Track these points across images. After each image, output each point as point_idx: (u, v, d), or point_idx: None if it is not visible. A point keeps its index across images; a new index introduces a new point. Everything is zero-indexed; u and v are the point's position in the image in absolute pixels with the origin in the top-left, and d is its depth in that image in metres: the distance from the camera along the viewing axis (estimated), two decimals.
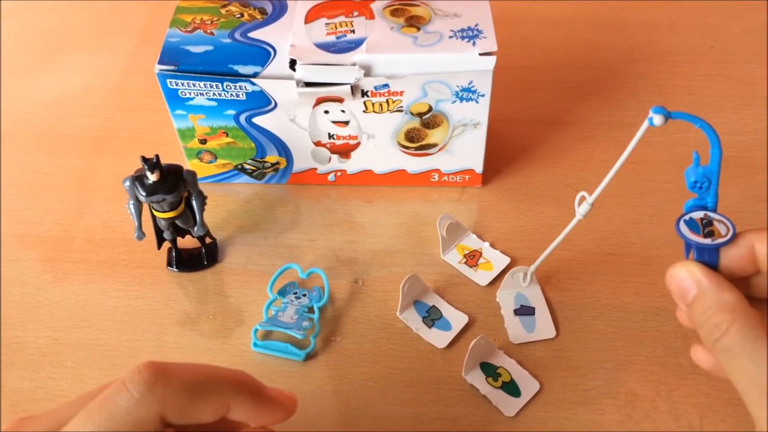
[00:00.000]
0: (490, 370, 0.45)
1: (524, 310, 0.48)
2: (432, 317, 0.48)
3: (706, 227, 0.35)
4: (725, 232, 0.34)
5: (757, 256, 0.34)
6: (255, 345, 0.46)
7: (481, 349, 0.45)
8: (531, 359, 0.46)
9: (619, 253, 0.51)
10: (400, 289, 0.47)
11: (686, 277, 0.33)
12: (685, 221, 0.35)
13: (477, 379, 0.44)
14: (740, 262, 0.34)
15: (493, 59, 0.47)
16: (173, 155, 0.54)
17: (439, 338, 0.47)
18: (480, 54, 0.47)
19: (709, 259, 0.34)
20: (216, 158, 0.54)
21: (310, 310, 0.48)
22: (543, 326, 0.47)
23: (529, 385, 0.44)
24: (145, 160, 0.44)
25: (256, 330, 0.47)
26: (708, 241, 0.34)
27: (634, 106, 0.62)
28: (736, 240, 0.34)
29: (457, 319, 0.48)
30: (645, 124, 0.35)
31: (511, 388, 0.44)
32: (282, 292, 0.49)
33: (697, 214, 0.35)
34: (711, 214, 0.35)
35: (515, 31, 0.68)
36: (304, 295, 0.49)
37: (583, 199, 0.42)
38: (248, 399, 0.33)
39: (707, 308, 0.32)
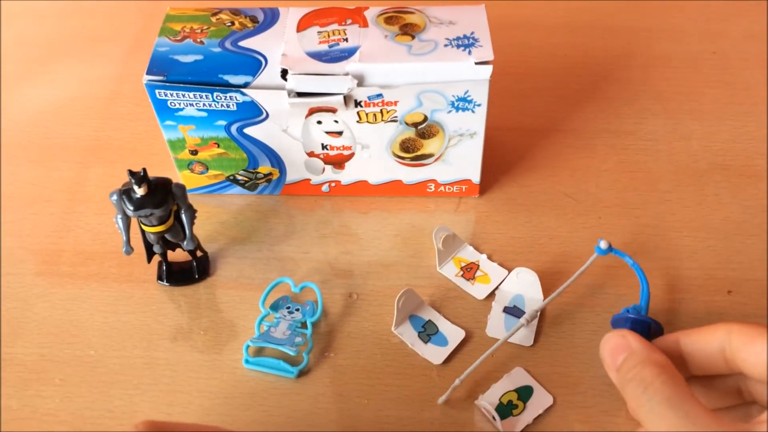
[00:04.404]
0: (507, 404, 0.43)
1: (514, 311, 0.47)
2: (428, 332, 0.47)
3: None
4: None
5: (730, 353, 0.34)
6: (247, 362, 0.45)
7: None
8: (530, 375, 0.45)
9: (619, 264, 0.50)
10: (395, 304, 0.46)
11: (619, 342, 0.35)
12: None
13: (489, 404, 0.43)
14: (707, 352, 0.35)
15: (489, 68, 0.46)
16: (165, 166, 0.54)
17: (435, 354, 0.45)
18: (476, 63, 0.46)
19: (641, 330, 0.41)
20: (207, 169, 0.53)
21: (303, 325, 0.47)
22: (524, 333, 0.46)
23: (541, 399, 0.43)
24: (132, 173, 0.43)
25: (248, 346, 0.46)
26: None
27: (634, 114, 0.60)
28: (708, 328, 0.36)
29: (454, 334, 0.46)
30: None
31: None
32: (274, 307, 0.48)
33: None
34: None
35: (510, 36, 0.67)
36: (297, 309, 0.47)
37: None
38: None
39: (636, 364, 0.34)
